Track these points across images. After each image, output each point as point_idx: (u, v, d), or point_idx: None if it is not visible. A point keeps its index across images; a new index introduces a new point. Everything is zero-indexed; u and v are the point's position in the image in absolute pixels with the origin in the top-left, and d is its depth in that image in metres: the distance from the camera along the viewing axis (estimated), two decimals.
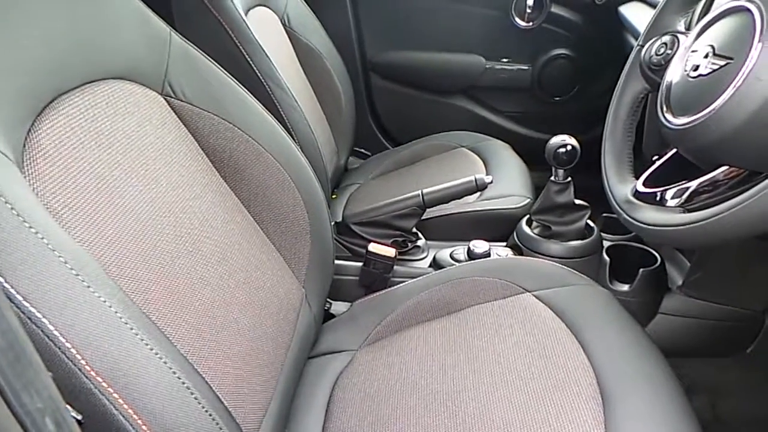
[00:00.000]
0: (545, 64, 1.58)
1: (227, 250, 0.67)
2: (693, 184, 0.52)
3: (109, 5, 0.61)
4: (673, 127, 0.53)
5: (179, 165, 0.66)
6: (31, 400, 0.25)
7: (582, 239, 0.96)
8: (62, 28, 0.53)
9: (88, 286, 0.37)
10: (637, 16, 1.28)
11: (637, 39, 1.29)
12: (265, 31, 1.19)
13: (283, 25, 1.29)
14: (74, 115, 0.53)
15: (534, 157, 1.43)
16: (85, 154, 0.52)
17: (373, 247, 0.96)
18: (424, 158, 1.49)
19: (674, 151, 0.59)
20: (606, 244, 0.99)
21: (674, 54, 0.60)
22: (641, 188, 0.59)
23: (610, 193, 0.64)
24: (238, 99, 0.77)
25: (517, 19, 1.53)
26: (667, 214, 0.52)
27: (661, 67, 0.62)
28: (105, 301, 0.37)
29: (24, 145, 0.44)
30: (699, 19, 0.70)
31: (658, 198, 0.56)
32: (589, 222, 0.98)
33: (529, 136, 1.68)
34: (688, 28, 0.64)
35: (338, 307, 0.94)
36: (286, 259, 0.80)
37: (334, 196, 1.42)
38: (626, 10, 1.33)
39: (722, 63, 0.49)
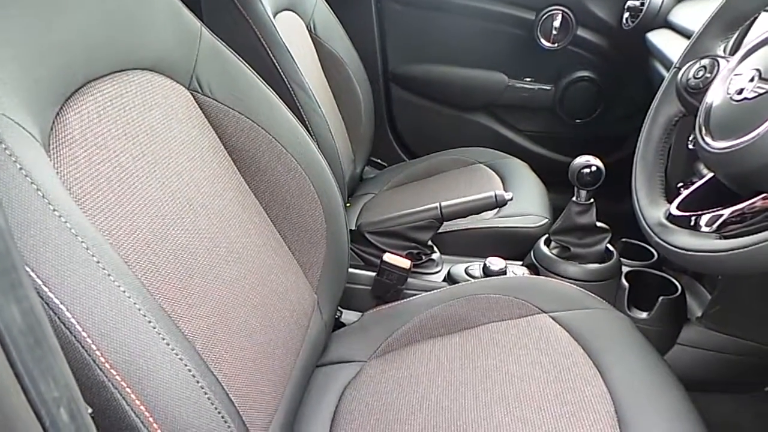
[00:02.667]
0: (568, 86, 1.58)
1: (244, 250, 0.66)
2: (727, 211, 0.51)
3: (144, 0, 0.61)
4: (712, 150, 0.51)
5: (202, 161, 0.65)
6: (47, 388, 0.24)
7: (601, 263, 0.94)
8: (97, 15, 0.53)
9: (109, 275, 0.36)
10: (666, 43, 1.27)
11: (664, 64, 1.29)
12: (290, 35, 1.19)
13: (309, 31, 1.29)
14: (102, 103, 0.52)
15: (552, 178, 1.42)
16: (110, 143, 0.52)
17: (388, 257, 0.94)
18: (440, 172, 1.47)
19: (710, 176, 0.58)
20: (625, 269, 0.97)
21: (714, 77, 0.59)
22: (675, 212, 0.57)
23: (641, 216, 0.62)
24: (264, 99, 0.76)
25: (543, 40, 1.53)
26: (703, 240, 0.51)
27: (699, 90, 0.60)
28: (124, 291, 0.36)
29: (51, 129, 0.44)
30: (737, 42, 0.69)
31: (692, 223, 0.54)
32: (609, 246, 0.96)
33: (548, 156, 1.67)
34: (728, 53, 0.63)
35: (349, 316, 0.93)
36: (300, 263, 0.78)
37: (347, 205, 1.41)
38: (654, 37, 1.32)
39: None
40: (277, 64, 0.97)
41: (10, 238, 0.22)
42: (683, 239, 0.53)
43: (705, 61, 0.61)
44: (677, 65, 0.66)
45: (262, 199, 0.75)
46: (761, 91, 0.48)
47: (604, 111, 1.60)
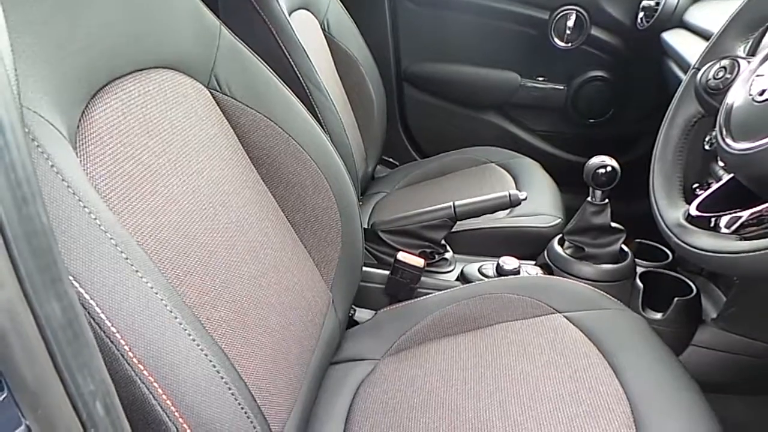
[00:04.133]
0: (581, 86, 1.57)
1: (261, 248, 0.67)
2: (747, 213, 0.50)
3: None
4: (733, 151, 0.51)
5: (220, 159, 0.65)
6: (84, 382, 0.25)
7: (615, 263, 0.94)
8: (120, 14, 0.53)
9: (137, 271, 0.36)
10: (682, 43, 1.26)
11: (680, 65, 1.28)
12: (305, 33, 1.20)
13: (323, 29, 1.29)
14: (126, 101, 0.53)
15: (564, 178, 1.42)
16: (133, 141, 0.52)
17: (402, 256, 0.94)
18: (452, 171, 1.47)
19: (728, 177, 0.57)
20: (639, 270, 0.97)
21: (734, 78, 0.59)
22: (695, 212, 0.57)
23: (659, 217, 0.62)
24: (281, 98, 0.76)
25: (556, 40, 1.52)
26: (723, 241, 0.51)
27: (719, 91, 0.60)
28: (152, 288, 0.37)
29: (78, 126, 0.44)
30: (756, 43, 0.68)
31: (711, 224, 0.54)
32: (623, 246, 0.96)
33: (561, 156, 1.66)
34: (750, 54, 0.62)
35: (362, 314, 0.93)
36: (315, 261, 0.79)
37: (360, 203, 1.41)
38: (669, 37, 1.31)
39: None
40: (293, 63, 0.97)
41: (51, 235, 0.22)
42: (702, 240, 0.53)
43: (725, 62, 0.61)
44: (696, 66, 0.65)
45: (279, 197, 0.75)
46: None
47: (617, 111, 1.59)
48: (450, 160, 1.51)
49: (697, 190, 0.86)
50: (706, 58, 0.65)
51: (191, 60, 0.65)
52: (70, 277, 0.32)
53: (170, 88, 0.61)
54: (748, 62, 0.59)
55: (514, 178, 1.36)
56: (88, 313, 0.33)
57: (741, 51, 0.63)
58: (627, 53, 1.52)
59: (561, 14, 1.50)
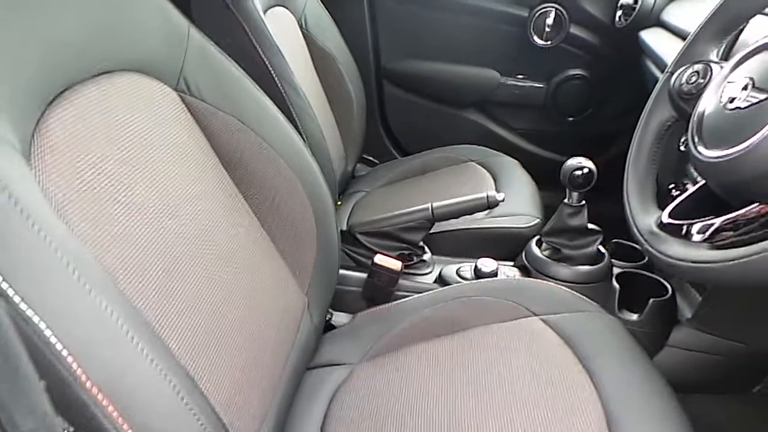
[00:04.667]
0: (560, 84, 1.57)
1: (232, 254, 0.65)
2: (719, 220, 0.50)
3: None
4: (704, 159, 0.51)
5: (189, 163, 0.64)
6: (24, 422, 0.23)
7: (592, 264, 0.94)
8: (79, 17, 0.51)
9: (90, 291, 0.35)
10: (659, 42, 1.27)
11: (657, 64, 1.29)
12: (282, 31, 1.18)
13: (300, 26, 1.27)
14: (86, 107, 0.51)
15: (543, 176, 1.42)
16: (94, 148, 0.50)
17: (379, 259, 0.94)
18: (432, 170, 1.47)
19: (701, 183, 0.57)
20: (616, 270, 0.97)
21: (707, 83, 0.58)
22: (667, 219, 0.57)
23: (632, 223, 0.62)
24: (253, 100, 0.75)
25: (536, 38, 1.52)
26: (695, 250, 0.50)
27: (692, 96, 0.60)
28: (107, 308, 0.35)
29: (33, 136, 0.43)
30: (728, 47, 0.68)
31: (683, 231, 0.54)
32: (600, 247, 0.96)
33: (540, 154, 1.67)
34: (722, 58, 0.62)
35: (340, 318, 0.92)
36: (290, 266, 0.78)
37: (339, 203, 1.40)
38: (647, 36, 1.32)
39: (762, 97, 0.47)
40: (268, 63, 0.95)
41: None
42: (674, 248, 0.53)
43: (698, 67, 0.61)
44: (670, 70, 0.65)
45: (252, 202, 0.74)
46: (754, 100, 0.48)
47: (596, 109, 1.60)
48: (430, 159, 1.50)
49: (673, 190, 0.86)
50: (680, 61, 0.64)
51: (158, 62, 0.63)
52: (18, 299, 0.31)
53: (135, 92, 0.59)
54: (721, 67, 0.59)
55: (493, 177, 1.36)
56: (38, 336, 0.31)
57: (714, 55, 0.63)
58: (606, 52, 1.53)
59: (540, 12, 1.49)
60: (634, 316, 0.92)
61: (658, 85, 0.66)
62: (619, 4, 1.42)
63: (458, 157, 1.47)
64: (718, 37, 0.62)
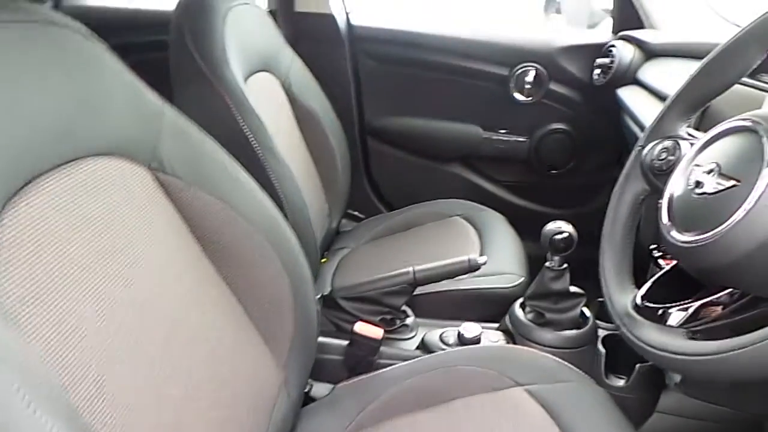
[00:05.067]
0: (543, 138, 1.59)
1: (204, 335, 0.64)
2: (696, 304, 0.50)
3: (98, 80, 0.59)
4: (676, 243, 0.51)
5: (161, 244, 0.63)
6: None
7: (577, 328, 0.93)
8: (46, 104, 0.51)
9: (30, 404, 0.33)
10: (635, 100, 1.29)
11: (635, 121, 1.31)
12: (265, 95, 1.19)
13: (284, 89, 1.29)
14: (51, 197, 0.50)
15: (528, 227, 1.41)
16: (58, 238, 0.49)
17: (359, 328, 0.92)
18: (418, 225, 1.46)
19: (675, 262, 0.57)
20: (601, 333, 0.96)
21: (676, 161, 0.59)
22: (641, 302, 0.56)
23: (609, 302, 0.61)
24: (230, 175, 0.75)
25: (517, 94, 1.55)
26: (671, 337, 0.50)
27: (663, 172, 0.60)
28: (51, 426, 0.34)
29: None
30: (702, 117, 0.69)
31: (659, 313, 0.53)
32: (585, 309, 0.95)
33: (525, 206, 1.67)
34: (695, 126, 0.63)
35: (319, 389, 0.90)
36: (267, 341, 0.76)
37: (324, 260, 1.39)
38: (624, 93, 1.34)
39: (729, 184, 0.47)
40: (247, 129, 0.96)
41: None
42: (651, 334, 0.52)
43: (668, 143, 0.61)
44: (641, 144, 0.66)
45: (228, 278, 0.73)
46: (721, 187, 0.48)
47: (578, 162, 1.61)
48: (415, 214, 1.50)
49: (654, 251, 0.86)
50: (650, 136, 0.65)
51: (131, 143, 0.63)
52: None
53: (105, 177, 0.58)
54: (690, 144, 0.59)
55: (478, 232, 1.36)
56: None
57: (683, 130, 0.63)
58: (586, 107, 1.55)
59: (520, 70, 1.53)
60: (621, 382, 0.90)
61: (630, 158, 0.66)
62: (596, 63, 1.45)
63: (443, 211, 1.47)
64: (686, 113, 0.63)
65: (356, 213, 1.60)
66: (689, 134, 0.63)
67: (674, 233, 0.52)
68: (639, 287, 0.61)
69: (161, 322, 0.58)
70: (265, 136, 0.98)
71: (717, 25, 1.36)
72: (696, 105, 0.62)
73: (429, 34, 1.58)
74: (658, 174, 0.61)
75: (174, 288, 0.62)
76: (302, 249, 0.99)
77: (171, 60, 0.98)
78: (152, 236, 0.62)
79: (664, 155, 0.61)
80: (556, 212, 1.66)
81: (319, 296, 1.05)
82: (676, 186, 0.54)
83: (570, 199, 1.63)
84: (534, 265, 1.26)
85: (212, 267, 0.71)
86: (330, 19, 1.53)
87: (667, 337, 0.50)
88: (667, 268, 0.58)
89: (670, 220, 0.53)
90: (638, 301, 0.56)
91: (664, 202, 0.54)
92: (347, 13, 1.58)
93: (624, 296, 0.59)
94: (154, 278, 0.59)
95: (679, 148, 0.59)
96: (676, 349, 0.47)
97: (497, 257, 1.21)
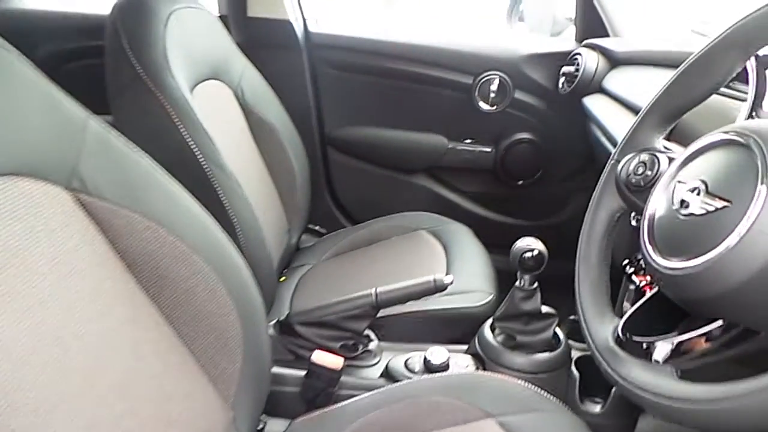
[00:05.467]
0: (508, 148, 1.55)
1: (138, 376, 0.56)
2: (684, 337, 0.45)
3: (5, 91, 0.51)
4: (660, 269, 0.46)
5: (83, 276, 0.54)
6: None
7: (549, 350, 0.88)
8: None
9: None
10: (601, 108, 1.26)
11: (601, 129, 1.28)
12: (215, 105, 1.11)
13: (237, 98, 1.21)
14: None
15: (495, 240, 1.38)
16: None
17: (317, 357, 0.85)
18: (382, 239, 1.40)
19: (656, 288, 0.52)
20: (575, 354, 0.91)
21: (655, 177, 0.54)
22: (623, 334, 0.51)
23: (587, 335, 0.55)
24: (167, 195, 0.67)
25: (481, 103, 1.51)
26: (658, 377, 0.44)
27: (641, 188, 0.55)
28: None
29: None
30: (672, 129, 0.65)
31: (644, 347, 0.48)
32: (557, 330, 0.90)
33: (491, 218, 1.63)
34: (667, 137, 0.58)
35: (274, 426, 0.82)
36: (212, 378, 0.68)
37: (282, 279, 1.31)
38: (590, 102, 1.32)
39: (719, 205, 0.42)
40: (193, 144, 0.88)
41: None
42: (636, 372, 0.47)
43: (644, 157, 0.56)
44: (615, 158, 0.61)
45: (164, 309, 0.65)
46: (710, 208, 0.43)
47: (545, 172, 1.58)
48: (379, 228, 1.44)
49: (627, 267, 0.81)
50: (624, 150, 0.60)
51: (45, 161, 0.54)
52: None
53: (10, 201, 0.50)
54: (668, 159, 0.54)
55: (444, 246, 1.30)
56: None
57: (659, 143, 0.59)
58: (552, 116, 1.52)
59: (484, 79, 1.49)
60: (597, 408, 0.85)
61: (603, 175, 0.61)
62: (561, 72, 1.42)
63: (408, 225, 1.41)
64: (662, 124, 0.58)
65: (317, 228, 1.53)
66: (666, 147, 0.58)
67: (657, 258, 0.47)
68: (617, 312, 0.56)
69: (77, 371, 0.50)
70: (212, 149, 0.91)
71: (680, 33, 1.35)
72: (672, 116, 0.57)
73: (390, 42, 1.53)
74: (635, 190, 0.56)
75: (98, 326, 0.54)
76: (256, 271, 0.91)
77: (107, 67, 0.90)
78: (70, 267, 0.53)
79: (641, 170, 0.56)
80: (524, 224, 1.63)
81: (274, 322, 0.97)
82: (657, 205, 0.49)
83: (537, 210, 1.60)
84: (502, 280, 1.21)
85: (147, 299, 0.63)
86: (286, 25, 1.46)
87: (654, 376, 0.44)
88: (649, 294, 0.53)
89: (651, 243, 0.48)
90: (620, 332, 0.51)
91: (644, 222, 0.49)
92: (304, 19, 1.51)
93: (603, 327, 0.53)
94: (69, 319, 0.51)
95: (658, 163, 0.55)
96: (664, 391, 0.42)
97: (464, 274, 1.16)
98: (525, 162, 1.57)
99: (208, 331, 0.69)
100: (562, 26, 1.64)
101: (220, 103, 1.14)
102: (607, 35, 1.39)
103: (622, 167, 0.58)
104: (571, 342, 0.92)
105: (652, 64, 1.19)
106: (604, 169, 0.61)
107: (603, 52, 1.34)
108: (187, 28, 0.99)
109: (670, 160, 0.55)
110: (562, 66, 1.42)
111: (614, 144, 1.15)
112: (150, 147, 0.89)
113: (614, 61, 1.31)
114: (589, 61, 1.34)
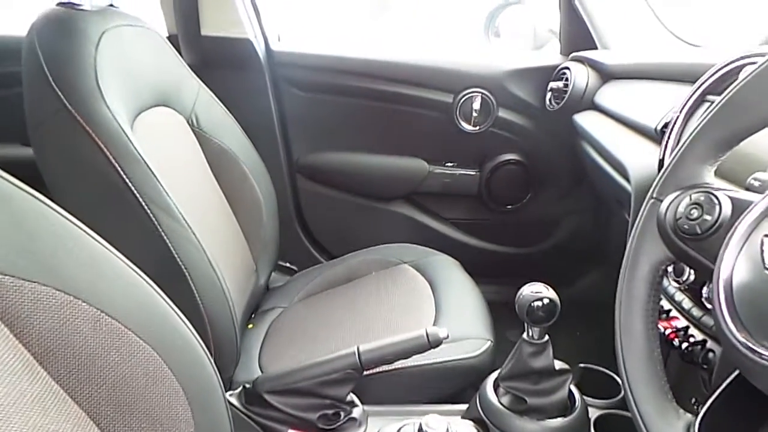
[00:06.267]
0: (494, 170, 1.44)
1: None
2: None
3: None
4: (747, 354, 0.34)
5: None
6: None
7: (564, 413, 0.75)
8: None
9: None
10: (595, 126, 1.16)
11: (594, 147, 1.17)
12: (163, 135, 0.97)
13: (191, 126, 1.07)
14: None
15: (483, 270, 1.27)
16: None
17: None
18: (361, 276, 1.27)
19: (736, 373, 0.40)
20: (592, 413, 0.79)
21: (717, 223, 0.42)
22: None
23: None
24: (86, 256, 0.52)
25: (463, 123, 1.40)
26: None
27: (698, 237, 0.43)
28: None
29: None
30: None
31: None
32: (572, 388, 0.78)
33: (478, 246, 1.52)
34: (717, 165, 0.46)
35: None
36: None
37: (250, 326, 1.17)
38: (582, 119, 1.21)
39: None
40: (131, 185, 0.73)
41: None
42: None
43: (698, 196, 0.44)
44: (656, 196, 0.49)
45: (95, 400, 0.50)
46: None
47: (534, 195, 1.47)
48: (357, 262, 1.30)
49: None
50: (667, 186, 0.48)
51: None
52: None
53: None
54: (731, 199, 0.43)
55: (429, 283, 1.17)
56: None
57: (712, 177, 0.47)
58: (540, 135, 1.42)
59: (466, 97, 1.38)
60: None
61: (641, 218, 0.49)
62: (549, 87, 1.32)
63: (388, 258, 1.28)
64: (713, 154, 0.46)
65: (288, 265, 1.39)
66: (716, 182, 0.46)
67: (744, 338, 0.34)
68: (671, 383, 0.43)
69: None
70: (156, 190, 0.76)
71: (671, 44, 1.26)
72: (727, 142, 0.45)
73: (361, 59, 1.41)
74: (690, 239, 0.44)
75: None
76: (214, 328, 0.77)
77: (25, 97, 0.75)
78: None
79: (695, 213, 0.44)
80: (514, 251, 1.52)
81: (239, 390, 0.82)
82: (739, 267, 0.37)
83: (528, 236, 1.49)
84: (494, 313, 1.09)
85: (66, 396, 0.48)
86: (245, 43, 1.32)
87: None
88: (728, 381, 0.41)
89: (734, 319, 0.35)
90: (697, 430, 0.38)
91: (717, 290, 0.37)
92: (265, 37, 1.38)
93: (670, 429, 0.41)
94: None
95: (719, 204, 0.43)
96: None
97: (456, 316, 1.03)
98: (512, 185, 1.46)
99: (145, 423, 0.54)
100: (544, 40, 1.54)
101: (169, 132, 1.00)
102: (595, 47, 1.30)
103: (668, 209, 0.46)
104: (587, 399, 0.80)
105: (648, 77, 1.10)
106: (640, 213, 0.49)
107: (593, 66, 1.24)
108: (125, 50, 0.85)
109: (733, 200, 0.43)
110: (549, 81, 1.32)
111: (613, 164, 1.04)
112: (78, 190, 0.74)
113: (606, 74, 1.21)
114: (579, 75, 1.24)
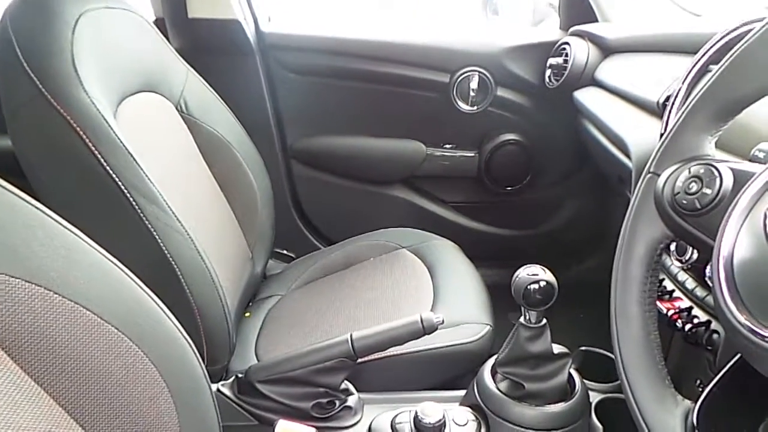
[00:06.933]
0: (493, 151, 1.41)
1: None
2: None
3: None
4: (748, 335, 0.31)
5: None
6: None
7: (564, 398, 0.73)
8: None
9: None
10: (596, 102, 1.13)
11: (596, 124, 1.14)
12: (150, 121, 0.94)
13: (180, 112, 1.04)
14: None
15: (483, 252, 1.25)
16: None
17: (282, 429, 0.68)
18: (359, 261, 1.25)
19: (737, 357, 0.37)
20: (593, 397, 0.77)
21: (718, 197, 0.39)
22: (696, 420, 0.36)
23: (644, 426, 0.40)
24: (55, 249, 0.50)
25: (460, 103, 1.36)
26: None
27: (697, 212, 0.40)
28: None
29: None
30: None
31: None
32: (572, 372, 0.75)
33: (477, 229, 1.49)
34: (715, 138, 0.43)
35: None
36: None
37: (247, 314, 1.15)
38: (582, 95, 1.18)
39: None
40: (113, 174, 0.71)
41: None
42: None
43: (697, 169, 0.42)
44: (653, 170, 0.46)
45: (79, 410, 0.48)
46: None
47: (535, 176, 1.44)
48: (355, 248, 1.28)
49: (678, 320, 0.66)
50: (664, 159, 0.45)
51: None
52: None
53: None
54: (732, 171, 0.40)
55: (428, 268, 1.15)
56: None
57: (712, 148, 0.44)
58: (539, 114, 1.38)
59: (463, 76, 1.34)
60: None
61: (637, 194, 0.46)
62: (548, 64, 1.28)
63: (386, 243, 1.26)
64: (714, 123, 0.43)
65: (285, 252, 1.37)
66: (715, 154, 0.43)
67: (744, 319, 0.32)
68: (674, 376, 0.41)
69: None
70: (138, 176, 0.74)
71: (674, 15, 1.22)
72: (729, 110, 0.42)
73: (355, 40, 1.37)
74: (689, 215, 0.41)
75: None
76: (205, 320, 0.75)
77: (0, 83, 0.73)
78: None
79: (694, 187, 0.41)
80: (514, 233, 1.49)
81: (232, 380, 0.81)
82: (741, 243, 0.34)
83: (528, 218, 1.46)
84: (494, 296, 1.07)
85: (49, 398, 0.47)
86: (234, 25, 1.29)
87: None
88: (729, 365, 0.38)
89: (734, 298, 0.33)
90: (695, 420, 0.36)
91: (717, 266, 0.35)
92: (255, 18, 1.34)
93: (666, 414, 0.39)
94: None
95: (720, 176, 0.40)
96: None
97: (454, 301, 1.01)
98: (512, 165, 1.43)
99: (130, 421, 0.52)
100: (543, 15, 1.50)
101: (156, 119, 0.97)
102: (596, 20, 1.26)
103: (665, 183, 0.43)
104: (587, 383, 0.78)
105: (650, 50, 1.06)
106: (636, 187, 0.46)
107: (593, 40, 1.20)
108: (105, 33, 0.82)
109: (734, 172, 0.40)
110: (549, 58, 1.28)
111: (614, 141, 1.01)
112: (58, 178, 0.72)
113: (607, 49, 1.18)
114: (579, 50, 1.20)
